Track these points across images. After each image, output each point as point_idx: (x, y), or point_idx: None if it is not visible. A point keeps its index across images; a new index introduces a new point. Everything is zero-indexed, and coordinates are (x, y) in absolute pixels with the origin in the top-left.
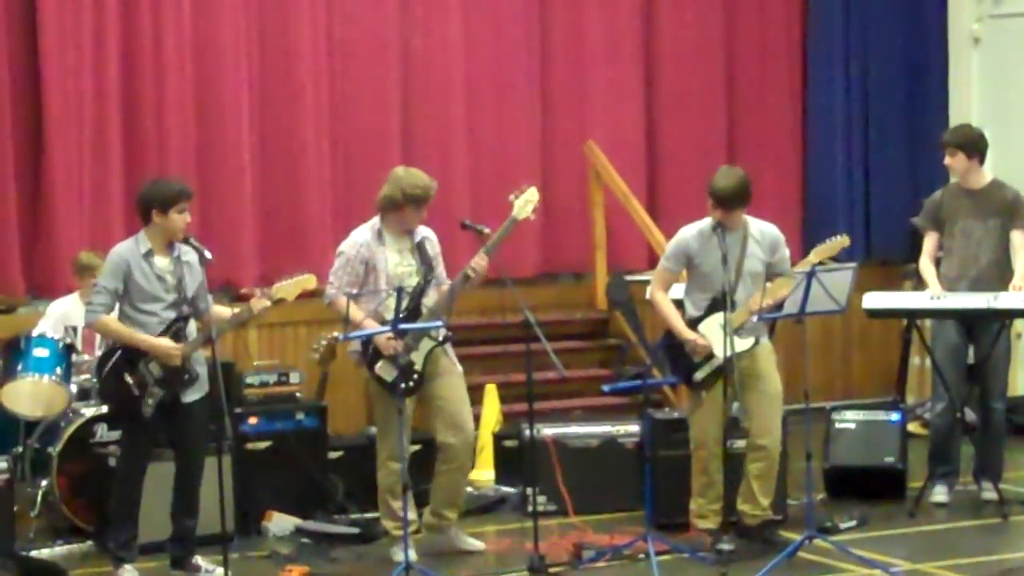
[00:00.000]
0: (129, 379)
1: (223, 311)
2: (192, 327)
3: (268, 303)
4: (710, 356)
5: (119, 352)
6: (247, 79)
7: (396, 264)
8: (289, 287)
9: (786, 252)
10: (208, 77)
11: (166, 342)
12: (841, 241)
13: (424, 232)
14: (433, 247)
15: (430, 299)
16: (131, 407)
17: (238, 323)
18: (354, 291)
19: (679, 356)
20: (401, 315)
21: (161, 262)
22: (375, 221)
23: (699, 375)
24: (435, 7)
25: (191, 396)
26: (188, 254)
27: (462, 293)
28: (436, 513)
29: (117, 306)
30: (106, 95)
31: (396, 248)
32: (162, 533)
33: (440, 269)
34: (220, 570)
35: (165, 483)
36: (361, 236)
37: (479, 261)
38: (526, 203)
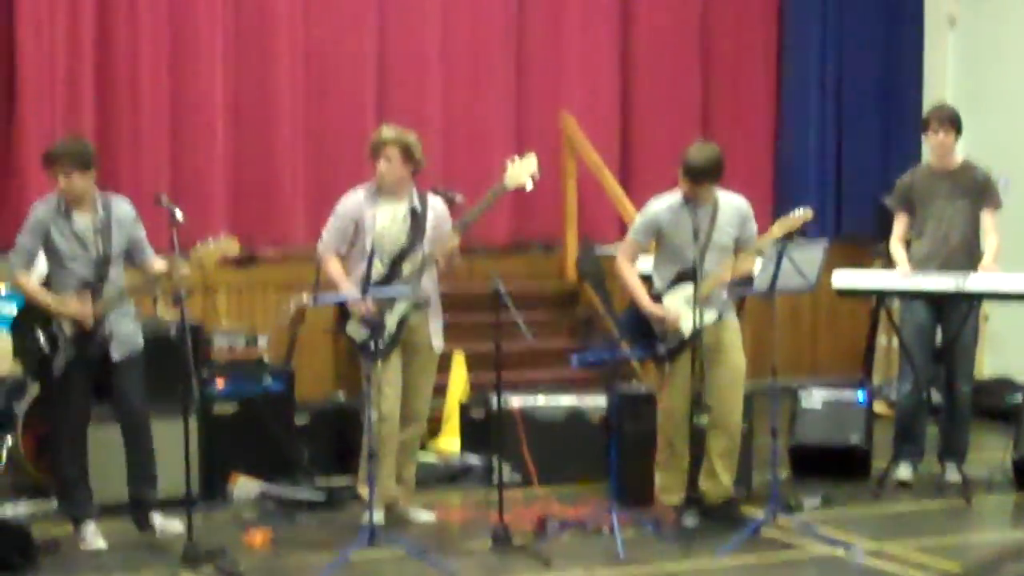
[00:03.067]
0: (41, 336)
1: (158, 264)
2: (111, 287)
3: (186, 266)
4: (675, 329)
5: (34, 309)
6: (222, 35)
7: (384, 226)
8: (208, 251)
9: (754, 226)
10: (183, 33)
11: (75, 305)
12: (804, 215)
13: (431, 201)
14: (437, 216)
15: (411, 266)
16: (42, 364)
17: (152, 285)
18: (343, 249)
19: (643, 329)
20: (376, 280)
21: (81, 220)
22: (374, 181)
23: (663, 348)
24: None
25: (118, 353)
26: (119, 207)
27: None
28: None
29: (45, 263)
30: (80, 44)
31: (390, 211)
32: (122, 496)
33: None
34: (174, 522)
35: (117, 445)
36: (356, 194)
37: (450, 242)
38: (521, 171)
